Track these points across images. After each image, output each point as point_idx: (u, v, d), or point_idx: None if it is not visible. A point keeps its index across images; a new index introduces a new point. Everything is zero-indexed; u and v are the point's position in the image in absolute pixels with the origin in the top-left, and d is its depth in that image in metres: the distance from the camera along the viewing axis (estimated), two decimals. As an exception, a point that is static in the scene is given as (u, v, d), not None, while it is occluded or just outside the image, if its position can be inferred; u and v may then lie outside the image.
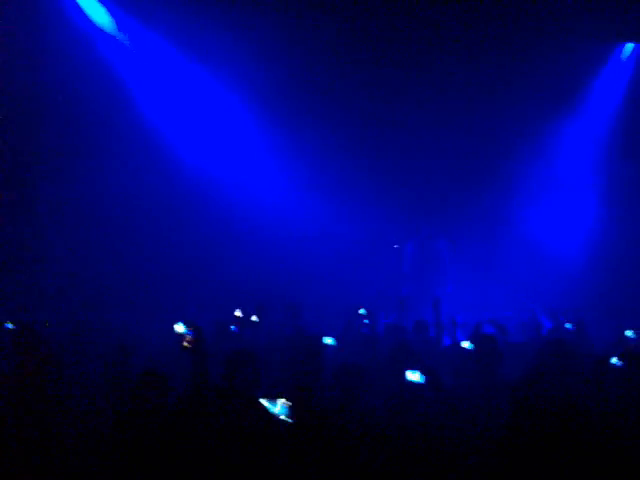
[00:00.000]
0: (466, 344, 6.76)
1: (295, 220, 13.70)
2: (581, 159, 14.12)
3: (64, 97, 11.98)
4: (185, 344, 4.39)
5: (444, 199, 13.80)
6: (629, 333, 8.10)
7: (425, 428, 4.45)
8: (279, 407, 3.67)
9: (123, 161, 12.59)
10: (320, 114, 13.23)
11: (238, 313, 8.82)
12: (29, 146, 12.26)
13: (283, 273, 12.87)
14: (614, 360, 5.10)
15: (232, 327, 8.23)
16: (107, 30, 12.51)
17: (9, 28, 11.29)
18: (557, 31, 12.07)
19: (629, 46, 13.45)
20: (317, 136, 13.33)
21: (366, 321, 8.58)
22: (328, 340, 6.65)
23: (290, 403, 3.71)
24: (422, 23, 12.05)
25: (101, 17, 12.42)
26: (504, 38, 12.37)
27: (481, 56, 12.77)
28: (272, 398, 3.66)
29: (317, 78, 13.02)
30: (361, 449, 4.19)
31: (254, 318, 8.33)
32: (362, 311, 8.54)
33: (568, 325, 8.46)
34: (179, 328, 6.60)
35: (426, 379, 4.84)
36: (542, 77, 12.98)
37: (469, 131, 13.52)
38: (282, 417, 3.64)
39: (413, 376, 4.88)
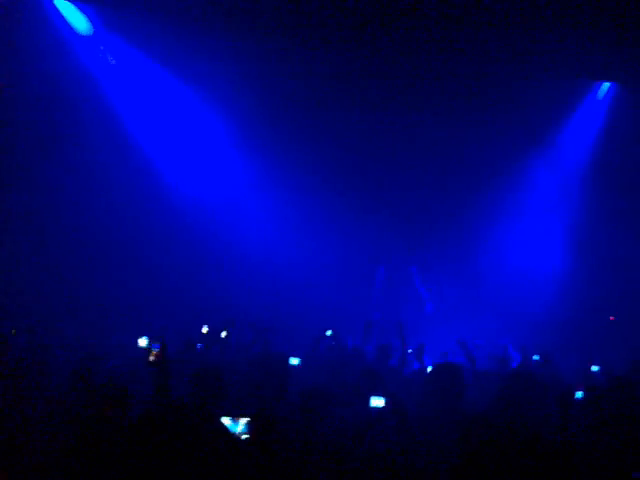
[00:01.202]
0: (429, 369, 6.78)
1: (266, 241, 13.68)
2: (553, 189, 14.32)
3: (44, 104, 11.91)
4: (151, 358, 4.37)
5: (418, 225, 13.86)
6: (595, 368, 8.19)
7: (386, 454, 4.45)
8: (241, 426, 3.66)
9: (97, 171, 12.53)
10: (297, 139, 13.26)
11: (205, 330, 8.78)
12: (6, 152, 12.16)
13: (252, 292, 12.84)
14: (579, 394, 5.14)
15: (198, 345, 8.18)
16: (88, 40, 12.48)
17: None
18: (534, 68, 12.24)
19: (605, 85, 13.71)
20: (291, 160, 13.34)
21: (332, 343, 8.57)
22: (294, 360, 6.62)
23: (252, 422, 3.69)
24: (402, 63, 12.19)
25: (82, 26, 12.38)
26: (482, 71, 12.50)
27: (459, 89, 12.88)
28: (235, 416, 3.64)
29: (296, 97, 13.04)
30: (321, 473, 4.17)
31: (223, 334, 8.28)
32: (329, 332, 8.53)
33: (536, 357, 8.52)
34: (142, 342, 6.56)
35: (389, 405, 4.82)
36: (519, 112, 13.13)
37: (446, 160, 13.61)
38: (244, 436, 3.62)
39: (377, 402, 4.86)
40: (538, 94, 12.82)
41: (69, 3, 12.15)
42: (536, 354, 8.75)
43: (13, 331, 8.52)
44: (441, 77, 12.55)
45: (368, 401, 4.93)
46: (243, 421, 3.70)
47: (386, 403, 4.80)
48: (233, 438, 3.51)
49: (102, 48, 12.60)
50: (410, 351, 8.41)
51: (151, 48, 12.43)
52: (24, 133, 12.14)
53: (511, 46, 11.42)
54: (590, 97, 13.91)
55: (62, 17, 12.17)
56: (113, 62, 12.71)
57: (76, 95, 12.08)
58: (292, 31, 11.57)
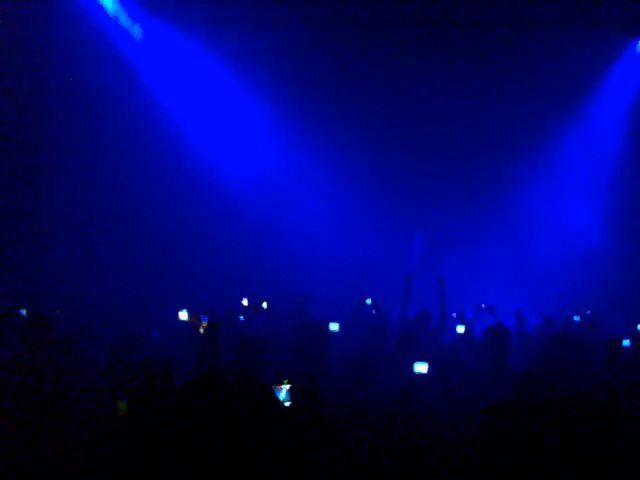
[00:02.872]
0: (461, 329, 6.74)
1: (305, 211, 13.69)
2: (594, 154, 13.99)
3: (76, 87, 11.99)
4: (201, 330, 4.45)
5: (453, 193, 13.73)
6: (640, 327, 8.06)
7: (430, 420, 4.42)
8: (284, 393, 3.67)
9: (132, 152, 12.61)
10: (330, 111, 13.23)
11: (245, 302, 8.82)
12: (41, 139, 12.28)
13: (292, 262, 12.88)
14: (626, 342, 5.07)
15: (240, 317, 8.24)
16: (119, 21, 12.48)
17: (20, 20, 11.26)
18: (569, 24, 11.96)
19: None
20: (329, 134, 13.32)
21: (373, 311, 8.56)
22: (334, 326, 6.61)
23: (295, 389, 3.69)
24: (429, 20, 12.02)
25: (113, 7, 12.38)
26: (514, 32, 12.28)
27: (490, 51, 12.67)
28: (277, 384, 3.65)
29: (326, 74, 13.02)
30: (364, 439, 4.17)
31: (264, 305, 8.31)
32: (368, 301, 8.51)
33: (577, 317, 8.40)
34: (183, 316, 6.61)
35: (434, 371, 4.80)
36: (554, 73, 12.86)
37: (478, 127, 13.42)
38: (286, 403, 3.63)
39: (421, 367, 4.84)
40: (573, 53, 12.52)
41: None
42: (577, 314, 8.61)
43: (58, 310, 8.65)
44: (475, 39, 12.35)
45: (411, 367, 4.91)
46: (285, 388, 3.70)
47: (431, 369, 4.79)
48: (281, 405, 3.51)
49: (133, 26, 12.60)
50: (454, 315, 8.34)
51: (181, 22, 12.44)
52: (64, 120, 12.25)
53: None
54: (628, 56, 13.42)
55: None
56: (140, 35, 12.69)
57: (110, 78, 12.11)
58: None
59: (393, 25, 12.17)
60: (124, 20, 12.52)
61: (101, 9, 12.20)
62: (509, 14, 11.71)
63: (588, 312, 8.76)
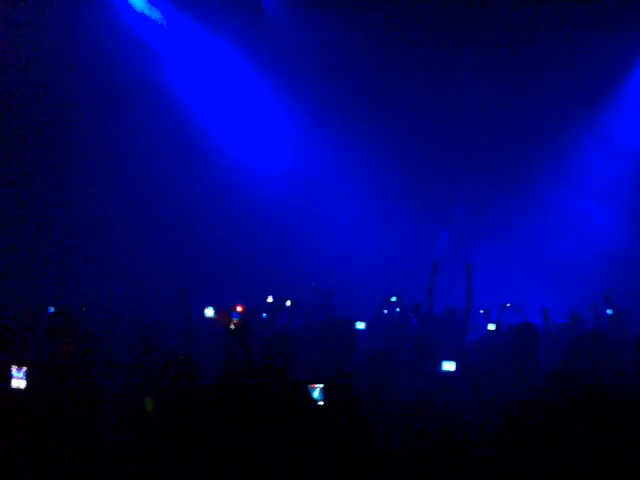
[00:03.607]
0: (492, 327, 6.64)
1: (330, 208, 13.68)
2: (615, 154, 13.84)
3: (101, 78, 12.06)
4: (232, 326, 4.46)
5: (477, 192, 13.66)
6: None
7: (457, 419, 4.39)
8: (317, 392, 3.64)
9: (159, 150, 12.69)
10: (354, 108, 13.23)
11: (270, 299, 8.83)
12: (67, 139, 12.36)
13: (315, 260, 12.86)
14: None
15: (263, 314, 8.24)
16: (144, 11, 12.54)
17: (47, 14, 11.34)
18: (592, 23, 11.88)
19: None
20: (353, 131, 13.32)
21: (397, 309, 8.54)
22: (360, 325, 6.59)
23: (328, 388, 3.67)
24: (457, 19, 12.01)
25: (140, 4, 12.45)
26: (538, 32, 12.22)
27: (514, 51, 12.61)
28: (309, 383, 3.62)
29: (351, 66, 13.01)
30: (392, 436, 4.15)
31: (288, 303, 8.32)
32: (394, 298, 8.49)
33: (609, 311, 8.20)
34: (209, 312, 6.62)
35: (462, 370, 4.76)
36: (579, 69, 12.74)
37: (502, 126, 13.34)
38: (319, 402, 3.61)
39: (449, 366, 4.81)
40: (600, 50, 12.39)
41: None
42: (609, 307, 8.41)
43: (84, 308, 8.70)
44: (503, 34, 12.34)
45: (438, 366, 4.88)
46: (319, 387, 3.68)
47: (457, 367, 4.75)
48: (315, 404, 3.49)
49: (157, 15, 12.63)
50: (482, 311, 8.26)
51: (204, 13, 12.48)
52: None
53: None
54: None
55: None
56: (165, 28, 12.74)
57: (134, 68, 12.17)
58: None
59: (418, 22, 12.17)
60: (150, 15, 12.58)
61: (128, 5, 12.28)
62: (536, 15, 11.68)
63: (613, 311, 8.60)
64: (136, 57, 12.21)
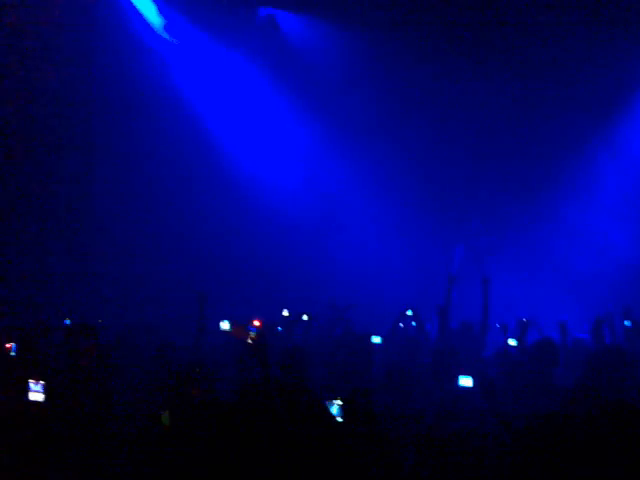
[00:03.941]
0: (512, 342, 6.57)
1: (346, 222, 13.69)
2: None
3: (115, 93, 12.16)
4: (249, 340, 4.45)
5: (493, 206, 13.59)
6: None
7: (473, 435, 4.35)
8: (335, 409, 3.58)
9: (175, 161, 12.75)
10: (371, 120, 13.22)
11: (286, 313, 8.81)
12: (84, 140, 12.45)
13: (332, 272, 12.86)
14: None
15: (278, 328, 8.22)
16: (156, 28, 12.63)
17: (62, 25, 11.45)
18: (604, 35, 11.86)
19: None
20: (369, 144, 13.31)
21: (413, 323, 8.49)
22: (376, 339, 6.56)
23: (346, 404, 3.63)
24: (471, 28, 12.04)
25: (152, 15, 12.54)
26: (550, 43, 12.21)
27: (527, 62, 12.60)
28: (327, 399, 3.58)
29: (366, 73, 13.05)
30: (408, 452, 4.12)
31: (305, 317, 8.29)
32: (409, 312, 8.44)
33: (627, 322, 8.10)
34: (225, 326, 6.63)
35: (479, 385, 4.72)
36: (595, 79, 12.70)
37: (517, 138, 13.28)
38: (337, 418, 3.56)
39: (465, 381, 4.77)
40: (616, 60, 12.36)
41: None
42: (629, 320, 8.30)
43: (99, 321, 8.74)
44: (519, 41, 12.31)
45: (454, 380, 4.84)
46: (337, 404, 3.63)
47: (474, 383, 4.71)
48: (334, 420, 3.44)
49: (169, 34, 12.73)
50: (498, 326, 8.16)
51: (216, 28, 12.58)
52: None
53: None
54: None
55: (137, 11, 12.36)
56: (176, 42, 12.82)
57: (149, 86, 12.26)
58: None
59: (437, 35, 12.20)
60: (162, 27, 12.68)
61: (141, 17, 12.39)
62: (552, 27, 11.68)
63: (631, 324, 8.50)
64: (152, 72, 12.32)
